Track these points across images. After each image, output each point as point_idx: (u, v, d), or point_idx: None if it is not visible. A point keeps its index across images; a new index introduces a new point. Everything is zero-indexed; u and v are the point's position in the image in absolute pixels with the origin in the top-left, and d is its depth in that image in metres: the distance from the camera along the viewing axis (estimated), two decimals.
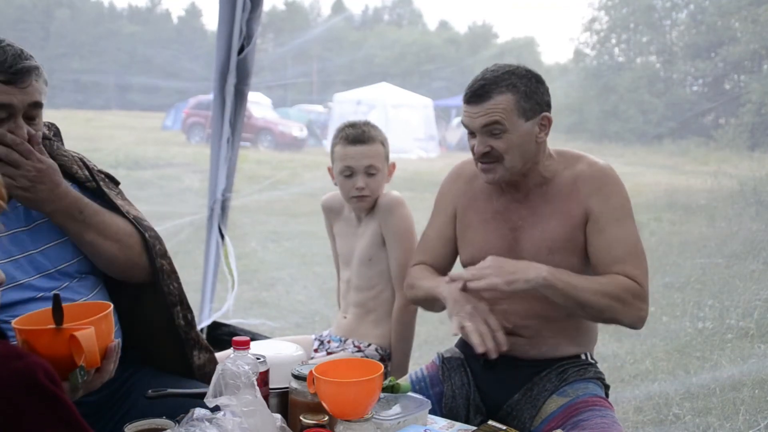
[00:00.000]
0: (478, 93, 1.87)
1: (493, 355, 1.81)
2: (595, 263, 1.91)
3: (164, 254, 1.86)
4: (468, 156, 2.06)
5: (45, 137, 1.82)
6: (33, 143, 1.63)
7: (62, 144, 1.88)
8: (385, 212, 2.45)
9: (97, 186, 1.83)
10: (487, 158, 1.91)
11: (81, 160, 1.86)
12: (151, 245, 1.82)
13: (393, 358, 2.54)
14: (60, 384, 1.03)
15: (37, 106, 1.63)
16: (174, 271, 1.88)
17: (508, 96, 1.86)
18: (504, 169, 1.92)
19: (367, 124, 2.52)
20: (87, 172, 1.84)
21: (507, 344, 1.83)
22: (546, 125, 1.93)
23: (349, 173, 2.47)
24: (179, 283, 1.90)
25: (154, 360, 1.90)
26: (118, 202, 1.85)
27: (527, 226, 1.97)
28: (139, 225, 1.83)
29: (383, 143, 2.51)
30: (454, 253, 2.16)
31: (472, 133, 1.93)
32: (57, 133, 1.89)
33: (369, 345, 2.53)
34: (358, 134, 2.47)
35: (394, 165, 2.57)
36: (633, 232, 1.91)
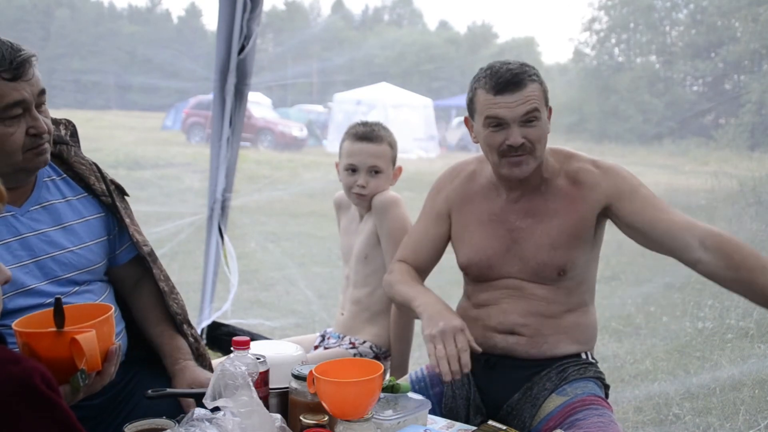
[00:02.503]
0: (513, 81, 1.84)
1: (451, 377, 1.74)
2: (663, 233, 1.85)
3: (160, 276, 1.88)
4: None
5: (63, 141, 1.82)
6: (50, 134, 1.64)
7: (79, 147, 1.88)
8: (380, 212, 2.45)
9: (113, 202, 1.84)
10: (521, 150, 1.87)
11: (98, 169, 1.87)
12: (149, 268, 1.85)
13: (392, 358, 2.55)
14: (57, 389, 1.01)
15: (43, 93, 1.63)
16: (173, 290, 1.91)
17: (536, 84, 1.87)
18: (534, 161, 1.91)
19: (378, 124, 2.54)
20: (104, 186, 1.84)
21: (468, 367, 1.75)
22: (549, 117, 1.95)
23: (353, 169, 2.48)
24: (182, 301, 1.93)
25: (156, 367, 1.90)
26: (127, 221, 1.86)
27: (526, 226, 1.97)
28: (140, 250, 1.85)
29: (391, 145, 2.52)
30: (439, 253, 2.15)
31: (499, 125, 1.87)
32: (74, 133, 1.88)
33: (364, 342, 2.53)
34: (367, 132, 2.48)
35: (400, 169, 2.57)
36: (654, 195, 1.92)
